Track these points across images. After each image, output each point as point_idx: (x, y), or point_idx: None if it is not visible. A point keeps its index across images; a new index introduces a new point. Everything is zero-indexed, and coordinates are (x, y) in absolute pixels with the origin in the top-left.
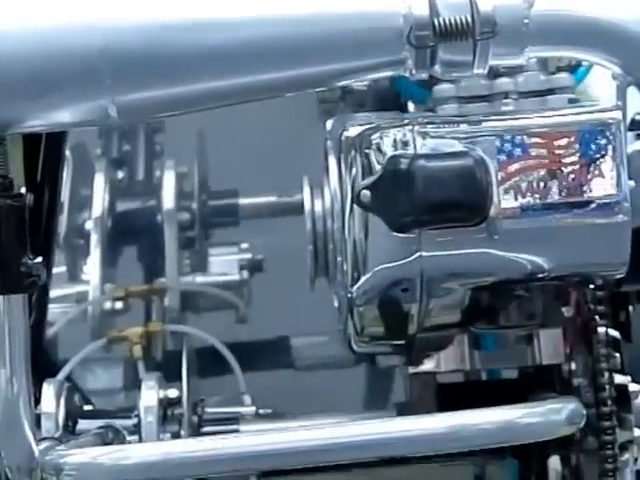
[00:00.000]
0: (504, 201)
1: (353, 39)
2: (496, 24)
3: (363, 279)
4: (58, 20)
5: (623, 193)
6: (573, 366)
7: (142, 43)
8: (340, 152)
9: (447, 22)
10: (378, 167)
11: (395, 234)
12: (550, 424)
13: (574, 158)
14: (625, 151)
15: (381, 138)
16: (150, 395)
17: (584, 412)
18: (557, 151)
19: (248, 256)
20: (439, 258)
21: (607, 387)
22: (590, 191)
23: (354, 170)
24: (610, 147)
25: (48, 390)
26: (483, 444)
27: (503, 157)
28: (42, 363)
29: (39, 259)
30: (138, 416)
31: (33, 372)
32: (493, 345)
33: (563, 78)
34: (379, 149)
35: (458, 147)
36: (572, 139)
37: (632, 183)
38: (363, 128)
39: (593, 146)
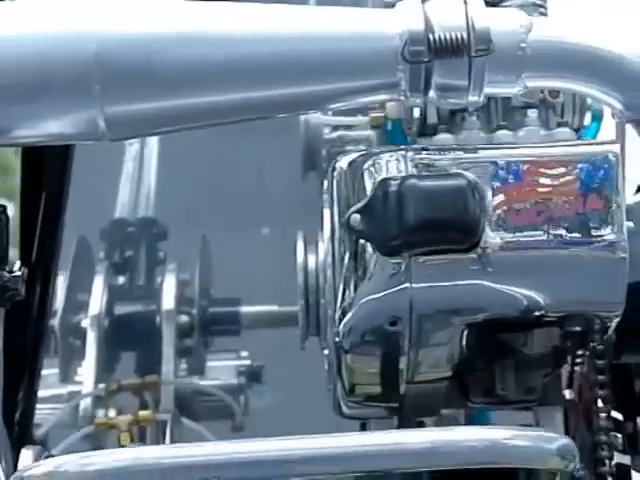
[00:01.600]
0: (497, 228)
1: (348, 59)
2: (491, 42)
3: (350, 314)
4: (51, 25)
5: (621, 229)
6: None
7: (135, 53)
8: (332, 183)
9: (442, 38)
10: (369, 192)
11: (384, 264)
12: (540, 451)
13: (570, 188)
14: (623, 187)
15: (373, 164)
16: None
17: (577, 452)
18: (553, 181)
19: (247, 362)
20: (429, 289)
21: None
22: (586, 224)
23: (345, 198)
24: (608, 181)
25: (26, 456)
26: (467, 462)
27: (497, 183)
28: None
29: (18, 273)
30: None
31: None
32: (489, 422)
33: (564, 132)
34: (370, 174)
35: (451, 170)
36: (569, 169)
37: (631, 224)
38: (355, 156)
39: (590, 178)
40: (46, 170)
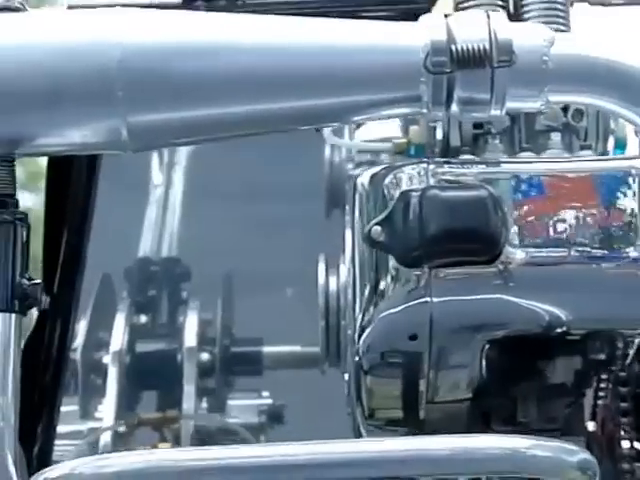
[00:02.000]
0: (518, 242)
1: (370, 72)
2: (514, 53)
3: (369, 329)
4: (76, 33)
5: None
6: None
7: (159, 62)
8: (353, 198)
9: (464, 48)
10: (390, 204)
11: (404, 278)
12: (561, 463)
13: (593, 203)
14: None
15: (394, 178)
16: None
17: (597, 469)
18: (575, 195)
19: (268, 402)
20: (450, 303)
21: None
22: (609, 239)
23: (367, 212)
24: (630, 196)
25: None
26: (486, 470)
27: (519, 196)
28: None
29: (37, 281)
30: None
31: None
32: None
33: (587, 155)
34: (392, 187)
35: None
36: (591, 184)
37: None
38: (376, 170)
39: (613, 193)
40: (70, 204)
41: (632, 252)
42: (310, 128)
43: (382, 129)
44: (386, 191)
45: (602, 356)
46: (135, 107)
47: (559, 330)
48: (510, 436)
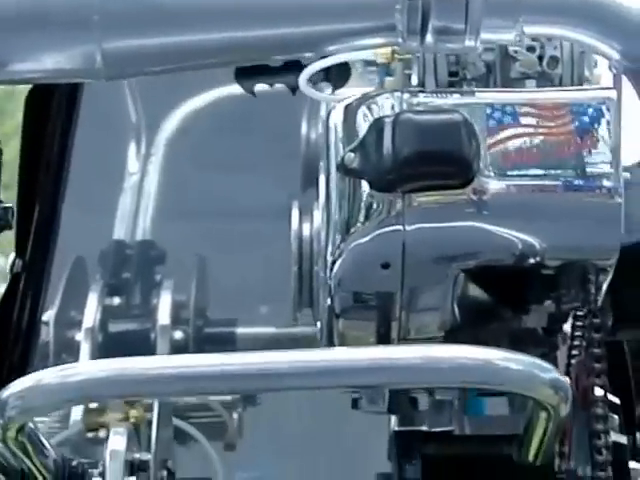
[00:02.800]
0: (492, 169)
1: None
2: None
3: (341, 259)
4: None
5: (617, 175)
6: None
7: None
8: (327, 131)
9: None
10: (364, 131)
11: (377, 206)
12: (532, 378)
13: (567, 129)
14: (620, 135)
15: (369, 107)
16: (118, 440)
17: (570, 393)
18: (549, 122)
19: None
20: (422, 231)
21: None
22: (583, 168)
23: (341, 142)
24: (604, 125)
25: None
26: (456, 380)
27: (493, 123)
28: None
29: (8, 205)
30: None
31: None
32: (484, 409)
33: None
34: (366, 116)
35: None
36: (566, 111)
37: (627, 175)
38: (350, 101)
39: (587, 121)
40: (42, 176)
41: (606, 181)
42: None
43: (360, 90)
44: (360, 121)
45: (575, 293)
46: (111, 32)
47: (533, 260)
48: (483, 348)
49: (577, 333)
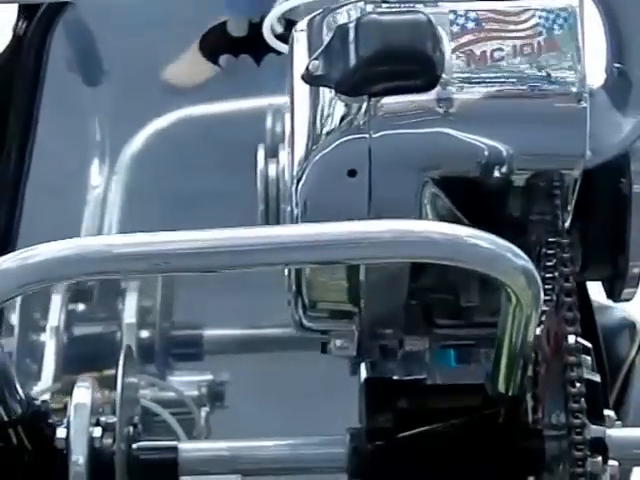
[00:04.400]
0: (456, 74)
1: None
2: None
3: (307, 171)
4: None
5: (583, 80)
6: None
7: None
8: (292, 49)
9: None
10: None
11: (342, 113)
12: (504, 260)
13: (532, 34)
14: (583, 42)
15: (332, 18)
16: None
17: (541, 287)
18: (514, 27)
19: (209, 377)
20: (388, 137)
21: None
22: (547, 71)
23: (306, 57)
24: (568, 31)
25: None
26: (424, 255)
27: (456, 28)
28: None
29: None
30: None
31: None
32: (451, 361)
33: None
34: (329, 27)
35: None
36: (529, 17)
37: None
38: (312, 16)
39: (551, 27)
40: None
41: (572, 87)
42: None
43: None
44: (324, 31)
45: (542, 214)
46: None
47: (499, 172)
48: (453, 225)
49: (547, 274)
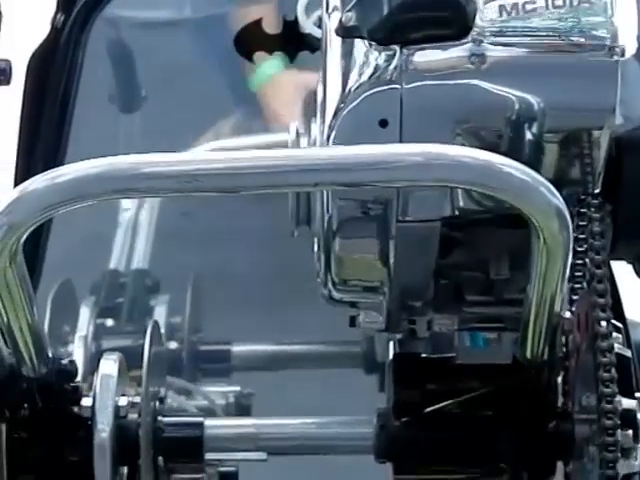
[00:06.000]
0: (488, 23)
1: None
2: None
3: (339, 122)
4: None
5: (616, 35)
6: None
7: None
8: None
9: None
10: None
11: (373, 67)
12: (534, 192)
13: None
14: None
15: None
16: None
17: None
18: None
19: (236, 388)
20: (420, 88)
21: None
22: (581, 24)
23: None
24: None
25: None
26: (456, 179)
27: None
28: None
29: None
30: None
31: None
32: (483, 343)
33: None
34: None
35: None
36: None
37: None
38: None
39: None
40: None
41: (605, 40)
42: None
43: None
44: None
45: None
46: None
47: (530, 127)
48: (488, 152)
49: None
